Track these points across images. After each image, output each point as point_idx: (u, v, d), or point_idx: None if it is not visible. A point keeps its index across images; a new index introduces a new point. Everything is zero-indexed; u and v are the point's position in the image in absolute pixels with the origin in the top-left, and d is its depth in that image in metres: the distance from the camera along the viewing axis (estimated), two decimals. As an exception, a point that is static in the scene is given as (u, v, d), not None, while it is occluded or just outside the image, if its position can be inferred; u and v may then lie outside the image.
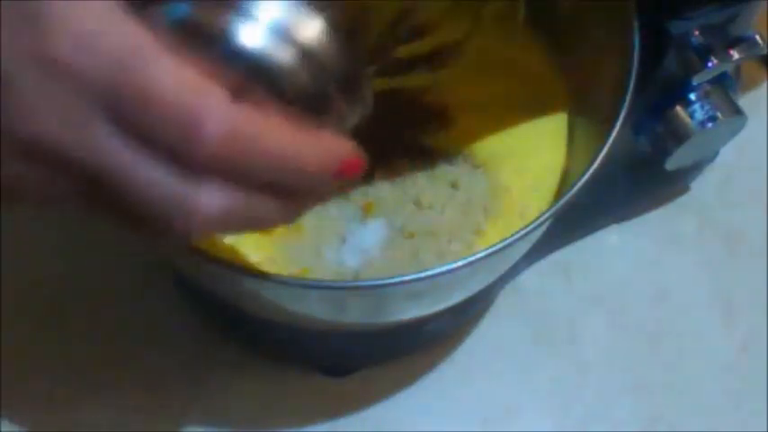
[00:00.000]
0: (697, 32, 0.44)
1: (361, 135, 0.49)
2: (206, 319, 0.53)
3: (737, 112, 0.48)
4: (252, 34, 0.30)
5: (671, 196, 0.59)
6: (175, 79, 0.27)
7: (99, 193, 0.28)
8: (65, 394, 0.51)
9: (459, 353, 0.54)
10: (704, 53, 0.45)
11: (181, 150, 0.27)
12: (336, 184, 0.31)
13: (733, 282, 0.57)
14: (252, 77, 0.30)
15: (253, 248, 0.46)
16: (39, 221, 0.54)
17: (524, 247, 0.44)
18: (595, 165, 0.40)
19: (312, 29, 0.31)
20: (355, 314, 0.44)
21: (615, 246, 0.57)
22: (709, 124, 0.47)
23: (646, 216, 0.58)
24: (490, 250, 0.38)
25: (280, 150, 0.29)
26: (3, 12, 0.26)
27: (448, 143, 0.49)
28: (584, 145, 0.47)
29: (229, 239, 0.45)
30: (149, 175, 0.27)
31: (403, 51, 0.48)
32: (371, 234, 0.47)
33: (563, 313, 0.55)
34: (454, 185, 0.48)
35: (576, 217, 0.47)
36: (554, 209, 0.40)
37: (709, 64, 0.45)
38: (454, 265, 0.38)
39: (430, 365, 0.53)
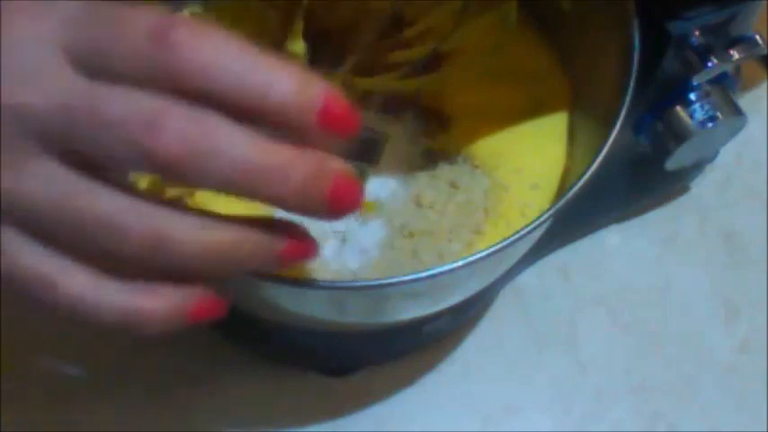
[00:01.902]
0: (697, 32, 0.44)
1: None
2: (206, 319, 0.53)
3: (737, 112, 0.48)
4: None
5: (671, 196, 0.59)
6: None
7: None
8: (65, 394, 0.51)
9: (459, 353, 0.54)
10: (704, 53, 0.45)
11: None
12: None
13: (733, 282, 0.57)
14: None
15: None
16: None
17: (524, 246, 0.44)
18: (595, 165, 0.40)
19: None
20: (355, 314, 0.44)
21: (615, 246, 0.57)
22: (710, 124, 0.47)
23: (646, 216, 0.58)
24: (490, 250, 0.38)
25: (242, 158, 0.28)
26: None
27: (448, 143, 0.49)
28: (585, 144, 0.47)
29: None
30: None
31: (397, 56, 0.48)
32: (371, 234, 0.47)
33: (563, 313, 0.55)
34: (454, 185, 0.48)
35: (575, 217, 0.47)
36: (554, 208, 0.40)
37: (709, 64, 0.45)
38: (454, 265, 0.38)
39: (430, 365, 0.53)
